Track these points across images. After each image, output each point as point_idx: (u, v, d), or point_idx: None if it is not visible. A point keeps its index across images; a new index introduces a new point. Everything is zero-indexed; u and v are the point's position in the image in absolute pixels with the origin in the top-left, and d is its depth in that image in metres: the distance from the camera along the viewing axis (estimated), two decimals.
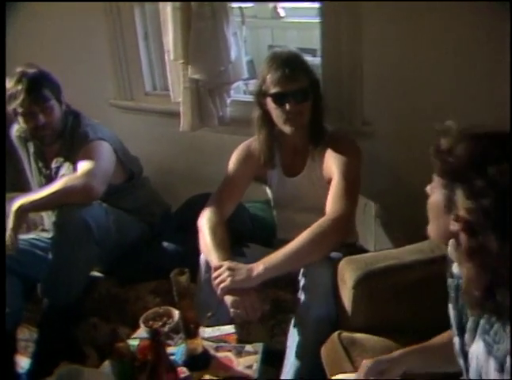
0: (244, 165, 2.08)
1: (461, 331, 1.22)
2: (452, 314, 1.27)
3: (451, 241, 1.14)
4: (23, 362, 2.20)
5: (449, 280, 1.28)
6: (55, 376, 1.41)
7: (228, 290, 1.73)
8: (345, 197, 1.86)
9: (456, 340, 1.25)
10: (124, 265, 2.30)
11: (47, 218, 2.42)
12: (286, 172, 2.08)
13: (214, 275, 1.77)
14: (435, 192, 1.13)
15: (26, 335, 2.33)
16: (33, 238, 2.31)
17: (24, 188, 3.09)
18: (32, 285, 2.25)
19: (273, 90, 1.90)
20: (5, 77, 3.00)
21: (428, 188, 1.17)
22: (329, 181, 1.95)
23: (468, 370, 1.19)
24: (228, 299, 1.73)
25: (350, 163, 1.90)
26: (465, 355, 1.20)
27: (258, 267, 1.75)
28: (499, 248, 0.99)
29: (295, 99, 1.89)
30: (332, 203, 1.87)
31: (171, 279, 1.51)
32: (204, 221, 1.95)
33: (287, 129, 1.95)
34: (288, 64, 1.88)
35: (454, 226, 1.05)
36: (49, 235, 2.37)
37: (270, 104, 1.94)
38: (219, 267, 1.77)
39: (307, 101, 1.92)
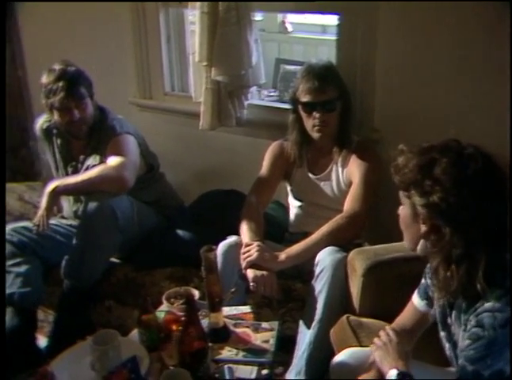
0: (277, 161, 2.25)
1: (444, 325, 1.41)
2: (437, 311, 1.45)
3: (420, 242, 1.33)
4: (39, 341, 2.30)
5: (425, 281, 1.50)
6: (93, 336, 1.51)
7: (252, 265, 1.92)
8: (362, 199, 2.06)
9: (442, 333, 1.43)
10: (141, 252, 2.41)
11: (68, 206, 2.52)
12: (311, 170, 2.24)
13: (243, 250, 1.96)
14: (403, 208, 1.36)
15: (41, 316, 2.43)
16: (54, 224, 2.39)
17: (36, 179, 3.20)
18: (49, 269, 2.35)
19: (303, 99, 2.09)
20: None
21: (400, 209, 1.38)
22: (349, 184, 2.13)
23: (456, 357, 1.35)
24: (250, 273, 1.93)
25: (371, 171, 2.07)
26: (454, 344, 1.38)
27: (282, 255, 1.97)
28: (450, 235, 1.23)
29: (322, 109, 2.06)
30: (350, 202, 2.07)
31: (201, 254, 1.62)
32: (244, 208, 2.14)
33: (315, 135, 2.12)
34: (319, 77, 2.06)
35: (423, 228, 1.28)
36: (68, 222, 2.49)
37: (301, 111, 2.12)
38: (250, 244, 1.96)
39: (334, 112, 2.09)
